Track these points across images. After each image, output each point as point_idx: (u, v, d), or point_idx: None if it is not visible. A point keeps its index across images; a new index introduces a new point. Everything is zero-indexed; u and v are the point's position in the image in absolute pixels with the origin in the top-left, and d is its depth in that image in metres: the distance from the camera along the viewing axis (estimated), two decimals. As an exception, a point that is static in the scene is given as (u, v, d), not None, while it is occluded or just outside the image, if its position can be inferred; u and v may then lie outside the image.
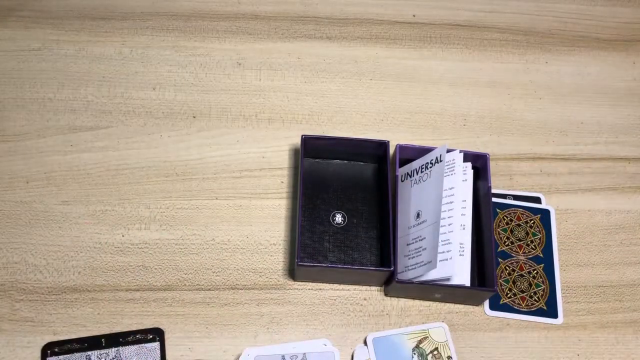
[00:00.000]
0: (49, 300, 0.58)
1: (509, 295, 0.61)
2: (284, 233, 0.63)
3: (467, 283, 0.58)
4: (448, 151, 0.60)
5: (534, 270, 0.62)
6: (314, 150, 0.64)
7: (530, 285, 0.61)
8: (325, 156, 0.65)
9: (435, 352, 0.57)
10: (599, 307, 0.62)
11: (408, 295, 0.60)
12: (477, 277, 0.60)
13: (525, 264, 0.62)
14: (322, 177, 0.65)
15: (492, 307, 0.60)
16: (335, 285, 0.61)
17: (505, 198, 0.66)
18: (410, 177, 0.62)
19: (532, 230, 0.64)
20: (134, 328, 0.57)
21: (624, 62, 0.76)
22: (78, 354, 0.56)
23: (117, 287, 0.59)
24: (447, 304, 0.60)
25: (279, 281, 0.61)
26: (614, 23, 0.79)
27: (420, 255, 0.57)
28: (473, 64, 0.74)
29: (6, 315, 0.57)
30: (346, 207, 0.63)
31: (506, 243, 0.63)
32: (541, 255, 0.63)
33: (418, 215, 0.59)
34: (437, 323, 0.59)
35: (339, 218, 0.63)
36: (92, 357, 0.55)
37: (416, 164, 0.62)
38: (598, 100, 0.73)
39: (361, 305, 0.60)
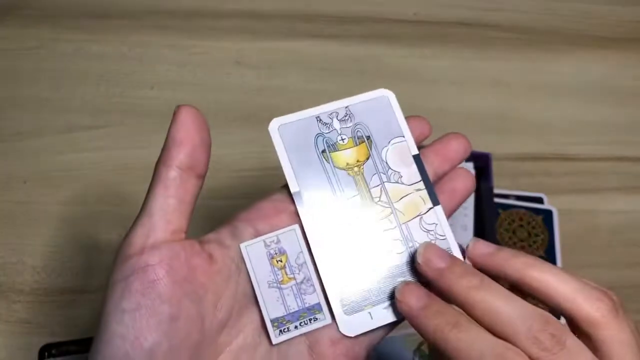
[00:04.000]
0: (46, 302, 0.58)
1: (511, 297, 0.60)
2: (283, 234, 0.62)
3: (469, 284, 0.57)
4: (450, 151, 0.60)
5: (536, 271, 0.62)
6: (314, 150, 0.64)
7: (533, 286, 0.61)
8: (326, 156, 0.65)
9: (437, 355, 0.57)
10: (602, 308, 0.61)
11: (409, 297, 0.60)
12: (479, 279, 0.60)
13: (528, 265, 0.62)
14: (323, 177, 0.64)
15: (494, 308, 0.60)
16: (336, 287, 0.60)
17: (508, 198, 0.65)
18: (412, 177, 0.61)
19: (534, 231, 0.63)
20: (132, 330, 0.57)
21: (628, 61, 0.75)
22: (76, 356, 0.55)
23: (115, 288, 0.59)
24: (449, 306, 0.60)
25: (278, 282, 0.60)
26: (617, 22, 0.78)
27: (422, 256, 0.56)
28: (474, 62, 0.74)
29: (3, 317, 0.57)
30: (347, 208, 0.63)
31: (508, 244, 0.63)
32: (544, 256, 0.62)
33: (419, 216, 0.58)
34: (439, 325, 0.58)
35: (339, 218, 0.62)
36: (89, 359, 0.55)
37: (417, 164, 0.61)
38: (601, 99, 0.73)
39: (362, 306, 0.60)
